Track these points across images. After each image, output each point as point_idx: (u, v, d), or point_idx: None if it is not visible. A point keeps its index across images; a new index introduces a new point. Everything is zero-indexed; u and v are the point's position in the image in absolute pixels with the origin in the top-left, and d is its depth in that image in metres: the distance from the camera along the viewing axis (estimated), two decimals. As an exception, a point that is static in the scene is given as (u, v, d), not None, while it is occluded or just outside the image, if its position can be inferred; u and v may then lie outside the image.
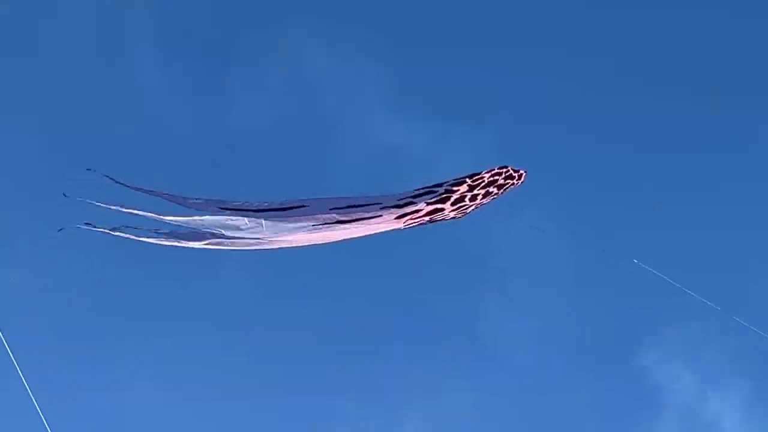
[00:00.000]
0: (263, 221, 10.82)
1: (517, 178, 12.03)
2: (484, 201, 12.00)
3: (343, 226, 11.18)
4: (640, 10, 19.45)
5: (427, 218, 11.51)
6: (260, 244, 10.82)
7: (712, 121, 19.12)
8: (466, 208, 11.91)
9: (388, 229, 11.30)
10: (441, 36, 18.77)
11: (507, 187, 12.00)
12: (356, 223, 11.04)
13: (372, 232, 11.21)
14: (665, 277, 12.66)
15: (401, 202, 11.34)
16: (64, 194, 9.96)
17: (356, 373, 18.13)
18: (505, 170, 11.90)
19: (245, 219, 10.73)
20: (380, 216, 11.14)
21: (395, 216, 11.22)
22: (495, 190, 11.85)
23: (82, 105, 18.12)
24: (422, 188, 11.56)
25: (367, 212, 11.13)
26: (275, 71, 18.59)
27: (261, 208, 10.96)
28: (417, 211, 11.37)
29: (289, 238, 10.93)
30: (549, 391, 18.22)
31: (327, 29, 18.67)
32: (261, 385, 17.95)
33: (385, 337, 18.28)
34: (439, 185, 11.61)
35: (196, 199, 10.66)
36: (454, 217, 11.81)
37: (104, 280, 16.67)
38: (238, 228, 10.68)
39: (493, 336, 18.11)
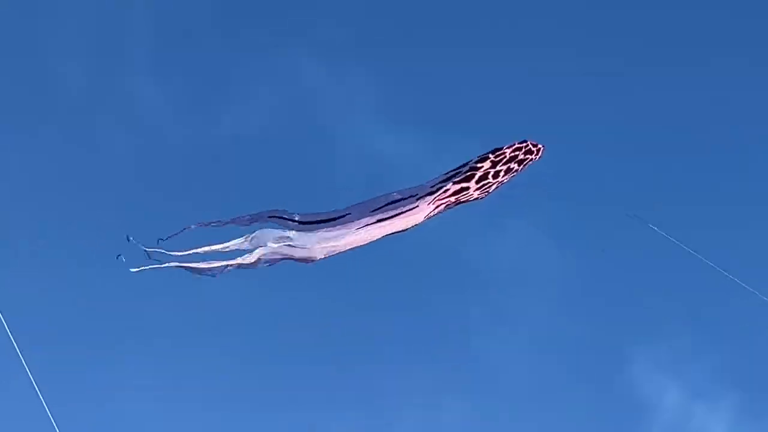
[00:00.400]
0: (311, 233, 10.90)
1: (536, 152, 11.95)
2: (505, 179, 11.94)
3: (382, 224, 11.14)
4: (634, 11, 19.64)
5: (453, 198, 11.42)
6: (310, 253, 10.87)
7: (709, 121, 19.33)
8: (489, 187, 11.69)
9: (422, 217, 11.31)
10: (433, 45, 18.86)
11: (526, 162, 11.91)
12: (396, 218, 11.04)
13: (409, 225, 11.14)
14: (677, 242, 12.63)
15: (434, 189, 11.31)
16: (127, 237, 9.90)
17: (347, 382, 18.13)
18: (525, 145, 11.84)
19: (293, 232, 10.83)
20: (417, 207, 11.10)
21: (428, 203, 11.17)
22: (515, 166, 11.78)
23: (79, 115, 18.04)
24: (449, 171, 11.53)
25: (405, 206, 11.11)
26: (267, 81, 18.56)
27: (306, 220, 10.99)
28: (445, 191, 11.31)
29: (334, 244, 10.96)
30: (537, 402, 18.22)
31: (319, 39, 18.67)
32: (254, 387, 17.97)
33: (377, 346, 18.23)
34: (464, 165, 11.54)
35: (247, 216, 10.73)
36: (477, 198, 11.68)
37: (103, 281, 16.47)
38: (289, 239, 10.78)
39: (482, 346, 18.11)
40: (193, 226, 10.25)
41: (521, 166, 11.87)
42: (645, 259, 17.84)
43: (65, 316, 17.22)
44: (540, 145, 11.99)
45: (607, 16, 19.93)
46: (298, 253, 10.88)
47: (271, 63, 18.47)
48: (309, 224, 11.05)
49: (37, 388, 9.37)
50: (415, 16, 19.14)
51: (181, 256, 10.31)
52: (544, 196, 16.18)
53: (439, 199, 11.30)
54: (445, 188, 11.28)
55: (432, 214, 11.38)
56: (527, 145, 11.87)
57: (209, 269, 10.47)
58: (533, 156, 11.95)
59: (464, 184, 11.42)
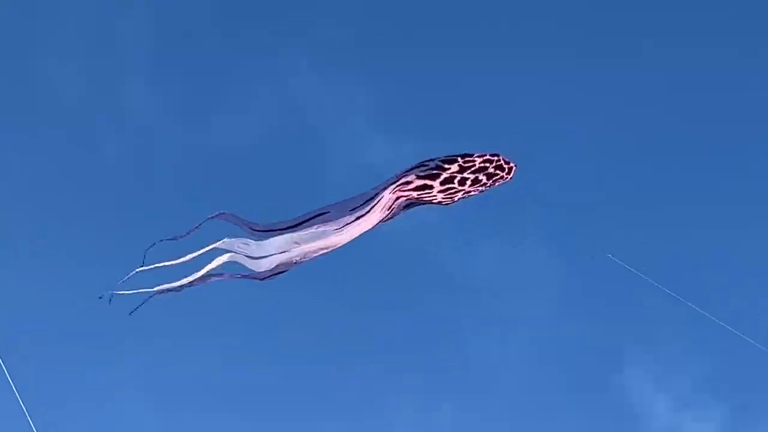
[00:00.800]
0: (292, 235, 10.91)
1: (507, 171, 11.68)
2: (472, 190, 11.44)
3: (359, 221, 11.06)
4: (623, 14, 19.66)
5: (415, 194, 11.22)
6: (293, 258, 10.93)
7: (702, 122, 19.24)
8: (454, 194, 11.42)
9: (390, 211, 11.28)
10: (426, 52, 18.91)
11: (496, 179, 11.65)
12: (369, 214, 11.01)
13: (381, 219, 11.10)
14: (645, 276, 12.60)
15: (396, 179, 11.14)
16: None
17: (343, 384, 18.12)
18: (496, 158, 11.54)
19: (275, 238, 10.87)
20: (383, 197, 11.01)
21: (389, 191, 11.05)
22: (484, 179, 11.53)
23: (73, 125, 18.21)
24: (415, 164, 11.33)
25: (376, 199, 11.03)
26: (261, 90, 18.67)
27: (285, 226, 10.99)
28: (408, 183, 11.13)
29: (317, 245, 10.99)
30: (529, 408, 18.10)
31: (312, 46, 18.79)
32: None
33: (373, 348, 18.20)
34: (431, 160, 11.32)
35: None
36: (441, 202, 11.46)
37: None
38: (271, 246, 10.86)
39: (475, 351, 18.08)
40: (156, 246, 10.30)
41: (490, 181, 11.63)
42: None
43: (56, 318, 17.26)
44: (512, 164, 11.71)
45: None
46: (250, 264, 10.84)
47: (265, 69, 18.42)
48: (286, 229, 11.00)
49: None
50: (408, 22, 19.18)
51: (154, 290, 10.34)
52: (535, 203, 16.11)
53: (400, 190, 11.16)
54: (407, 179, 11.14)
55: (394, 207, 11.24)
56: (498, 160, 11.60)
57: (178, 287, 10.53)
58: (504, 174, 11.71)
59: (428, 182, 11.25)
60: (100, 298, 10.06)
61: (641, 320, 17.98)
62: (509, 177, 11.79)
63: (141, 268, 10.22)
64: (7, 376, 9.45)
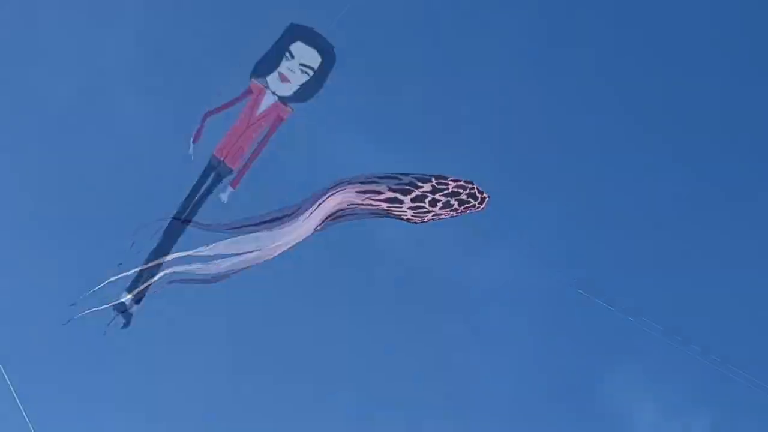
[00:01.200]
0: (263, 232, 10.86)
1: (479, 201, 11.66)
2: (442, 213, 11.50)
3: (297, 226, 11.01)
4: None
5: (385, 205, 11.16)
6: (262, 255, 10.84)
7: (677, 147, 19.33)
8: (424, 214, 11.40)
9: (346, 201, 11.26)
10: (420, 57, 19.02)
11: (468, 207, 11.66)
12: (333, 203, 10.95)
13: (342, 207, 11.02)
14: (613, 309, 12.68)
15: (366, 180, 11.13)
16: None
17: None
18: (470, 186, 11.58)
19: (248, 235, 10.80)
20: (345, 190, 10.96)
21: (357, 190, 10.97)
22: (456, 205, 11.54)
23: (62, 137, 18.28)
24: (383, 174, 11.32)
25: (339, 188, 10.96)
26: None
27: (256, 222, 10.93)
28: (378, 192, 11.07)
29: (285, 240, 10.91)
30: (512, 418, 18.13)
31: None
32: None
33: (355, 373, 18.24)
34: (405, 174, 11.31)
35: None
36: (410, 219, 11.44)
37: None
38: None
39: (461, 367, 18.07)
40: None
41: (462, 207, 11.62)
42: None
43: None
44: (485, 195, 11.68)
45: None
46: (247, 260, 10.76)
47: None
48: (259, 225, 10.93)
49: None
50: (401, 26, 19.33)
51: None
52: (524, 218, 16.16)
53: (371, 199, 11.10)
54: (378, 188, 11.10)
55: (357, 208, 11.12)
56: (472, 188, 11.63)
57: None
58: (476, 204, 11.69)
59: (399, 196, 11.21)
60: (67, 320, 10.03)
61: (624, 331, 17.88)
62: (481, 207, 11.75)
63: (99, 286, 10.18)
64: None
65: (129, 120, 17.42)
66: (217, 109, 10.77)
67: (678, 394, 18.42)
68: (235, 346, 17.58)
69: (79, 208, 16.95)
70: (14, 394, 11.33)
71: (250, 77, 10.75)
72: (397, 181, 11.17)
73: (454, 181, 11.55)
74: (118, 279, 10.39)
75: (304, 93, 10.98)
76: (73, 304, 10.07)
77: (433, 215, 11.58)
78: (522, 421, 18.08)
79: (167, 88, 17.76)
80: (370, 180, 11.02)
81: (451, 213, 11.70)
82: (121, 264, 10.46)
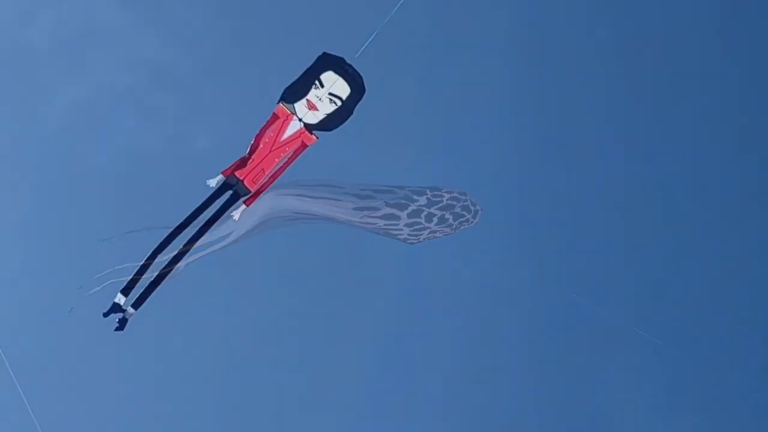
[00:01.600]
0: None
1: (472, 215, 11.79)
2: (438, 230, 11.63)
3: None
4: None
5: (382, 222, 11.28)
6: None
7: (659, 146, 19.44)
8: (420, 232, 11.55)
9: (343, 216, 11.08)
10: (404, 65, 19.10)
11: (462, 222, 11.78)
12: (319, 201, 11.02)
13: (329, 213, 11.07)
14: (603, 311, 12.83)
15: (362, 193, 11.26)
16: None
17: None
18: (463, 198, 11.68)
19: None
20: (339, 200, 11.07)
21: (353, 206, 11.08)
22: (450, 219, 11.64)
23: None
24: (385, 186, 11.44)
25: (330, 193, 11.07)
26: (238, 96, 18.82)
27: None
28: (375, 209, 11.17)
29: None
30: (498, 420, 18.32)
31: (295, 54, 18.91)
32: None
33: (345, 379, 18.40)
34: (401, 188, 11.44)
35: None
36: (406, 239, 11.54)
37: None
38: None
39: (454, 367, 18.23)
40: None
41: (456, 222, 11.75)
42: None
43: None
44: (479, 207, 11.80)
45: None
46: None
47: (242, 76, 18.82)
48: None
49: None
50: (392, 31, 19.43)
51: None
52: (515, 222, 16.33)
53: (368, 216, 11.20)
54: (375, 204, 11.21)
55: (358, 222, 11.23)
56: (466, 200, 11.73)
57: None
58: (469, 217, 11.83)
59: (396, 211, 11.34)
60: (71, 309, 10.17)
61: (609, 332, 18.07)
62: (475, 221, 11.90)
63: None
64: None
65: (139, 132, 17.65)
66: (257, 140, 10.98)
67: (665, 395, 18.69)
68: (236, 347, 17.78)
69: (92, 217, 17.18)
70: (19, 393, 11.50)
71: (278, 102, 10.91)
72: (392, 196, 11.31)
73: (448, 192, 11.68)
74: (117, 281, 10.53)
75: (329, 122, 10.97)
76: (79, 297, 10.23)
77: (429, 232, 11.56)
78: (516, 421, 18.32)
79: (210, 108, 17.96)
80: (366, 194, 11.15)
81: (446, 230, 11.72)
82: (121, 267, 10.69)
